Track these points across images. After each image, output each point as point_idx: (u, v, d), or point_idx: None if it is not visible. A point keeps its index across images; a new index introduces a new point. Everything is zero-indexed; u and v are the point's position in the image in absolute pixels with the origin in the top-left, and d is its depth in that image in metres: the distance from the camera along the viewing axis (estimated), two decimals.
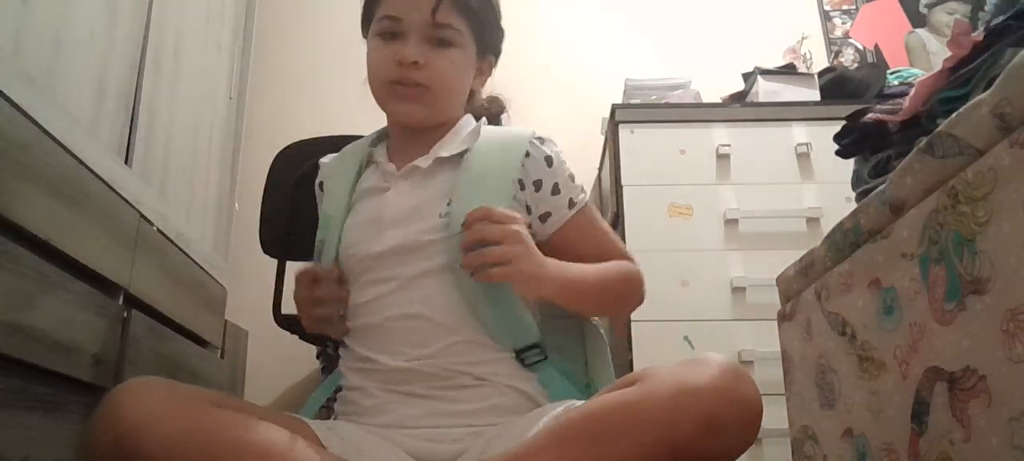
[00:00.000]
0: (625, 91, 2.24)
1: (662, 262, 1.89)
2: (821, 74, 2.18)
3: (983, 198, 0.72)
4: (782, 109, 2.05)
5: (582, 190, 1.03)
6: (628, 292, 1.03)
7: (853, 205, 1.05)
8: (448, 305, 0.92)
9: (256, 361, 2.14)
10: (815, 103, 2.07)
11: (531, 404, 0.91)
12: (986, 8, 2.52)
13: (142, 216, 1.17)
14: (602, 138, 2.27)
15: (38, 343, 0.85)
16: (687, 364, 0.72)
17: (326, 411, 1.01)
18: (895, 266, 0.89)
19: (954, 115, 0.78)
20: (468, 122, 1.05)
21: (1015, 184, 0.67)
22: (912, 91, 1.02)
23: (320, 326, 1.00)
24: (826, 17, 2.66)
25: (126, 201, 1.12)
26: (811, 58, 2.40)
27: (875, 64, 2.52)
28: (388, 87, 1.00)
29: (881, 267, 0.93)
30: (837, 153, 1.22)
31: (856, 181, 1.18)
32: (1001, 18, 0.87)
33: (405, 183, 1.00)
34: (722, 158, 1.99)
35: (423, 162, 1.00)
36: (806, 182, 1.96)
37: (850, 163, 1.22)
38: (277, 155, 1.66)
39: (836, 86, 2.13)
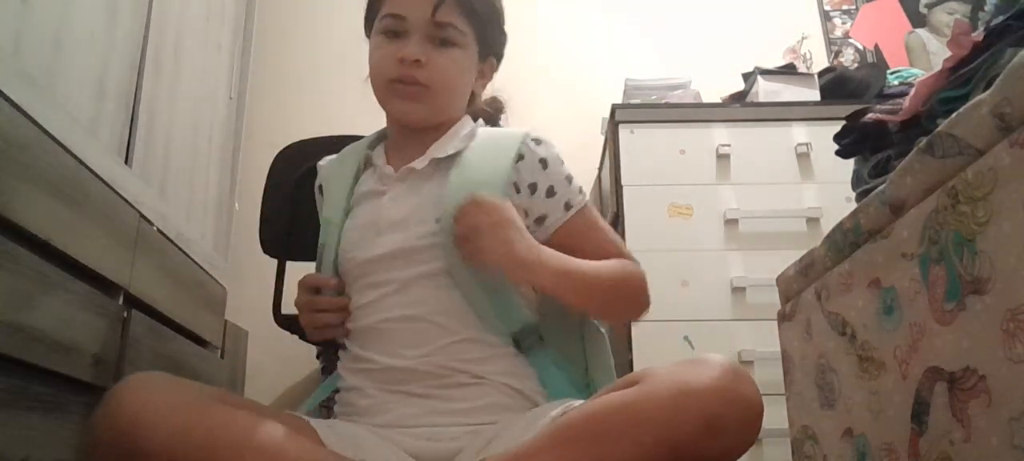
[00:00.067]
0: (625, 91, 2.24)
1: (662, 262, 1.89)
2: (821, 74, 2.18)
3: (983, 198, 0.72)
4: (782, 109, 2.05)
5: (580, 191, 1.01)
6: (630, 293, 1.00)
7: (853, 205, 1.05)
8: (444, 306, 0.93)
9: (256, 361, 2.14)
10: (815, 103, 2.07)
11: (529, 403, 0.91)
12: (986, 8, 2.52)
13: (142, 216, 1.17)
14: (602, 138, 2.27)
15: (38, 343, 0.85)
16: (687, 364, 0.72)
17: (325, 412, 1.01)
18: (895, 266, 0.89)
19: (954, 115, 0.78)
20: (466, 123, 1.05)
21: (1015, 184, 0.67)
22: (912, 91, 1.02)
23: (321, 333, 1.01)
24: (826, 17, 2.66)
25: (126, 201, 1.12)
26: (811, 58, 2.40)
27: (875, 64, 2.52)
28: (389, 85, 1.00)
29: (881, 267, 0.93)
30: (837, 153, 1.22)
31: (856, 181, 1.18)
32: (1001, 18, 0.87)
33: (402, 186, 1.00)
34: (722, 158, 1.99)
35: (419, 164, 1.00)
36: (806, 182, 1.96)
37: (850, 163, 1.22)
38: (277, 155, 1.66)
39: (836, 86, 2.13)
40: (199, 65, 1.69)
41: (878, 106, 1.12)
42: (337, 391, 0.99)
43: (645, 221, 1.94)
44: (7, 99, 0.84)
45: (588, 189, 2.43)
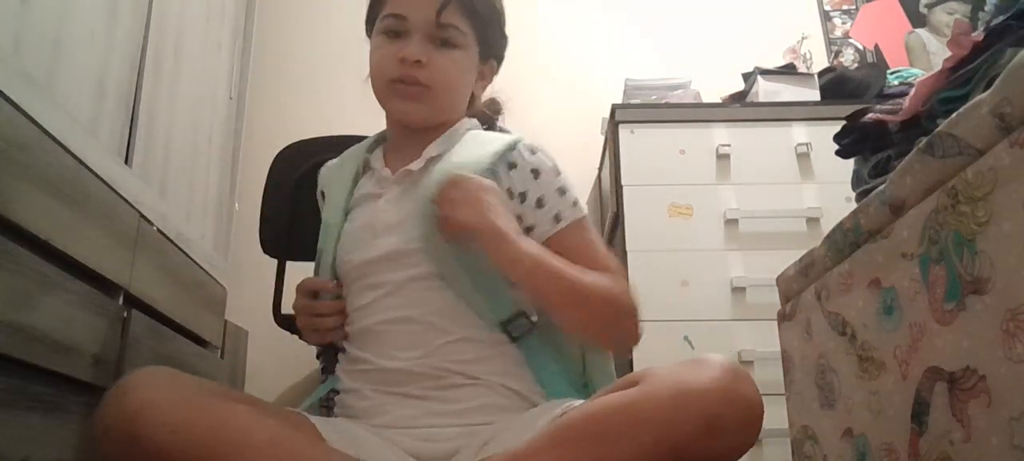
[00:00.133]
0: (625, 91, 2.24)
1: (662, 262, 1.89)
2: (821, 74, 2.18)
3: (983, 198, 0.72)
4: (782, 109, 2.05)
5: (574, 205, 0.98)
6: (613, 313, 0.92)
7: (853, 205, 1.05)
8: (438, 307, 0.93)
9: (256, 361, 2.14)
10: (815, 103, 2.07)
11: (527, 403, 0.91)
12: (986, 8, 2.52)
13: (142, 216, 1.17)
14: (602, 138, 2.27)
15: (38, 343, 0.85)
16: (687, 364, 0.72)
17: (325, 412, 1.01)
18: (895, 266, 0.89)
19: (954, 115, 0.78)
20: (464, 124, 1.05)
21: (1015, 184, 0.67)
22: (912, 91, 1.02)
23: (319, 336, 1.01)
24: (826, 17, 2.66)
25: (126, 201, 1.12)
26: (811, 58, 2.40)
27: (875, 64, 2.52)
28: (390, 85, 1.00)
29: (881, 267, 0.93)
30: (837, 153, 1.22)
31: (856, 181, 1.18)
32: (1001, 18, 0.87)
33: (398, 188, 1.01)
34: (722, 158, 1.99)
35: (415, 165, 1.00)
36: (806, 182, 1.96)
37: (850, 163, 1.22)
38: (277, 155, 1.66)
39: (836, 86, 2.13)
40: (199, 65, 1.69)
41: (878, 106, 1.12)
42: (336, 392, 0.99)
43: (645, 221, 1.94)
44: (7, 99, 0.84)
45: (588, 189, 2.43)
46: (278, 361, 2.19)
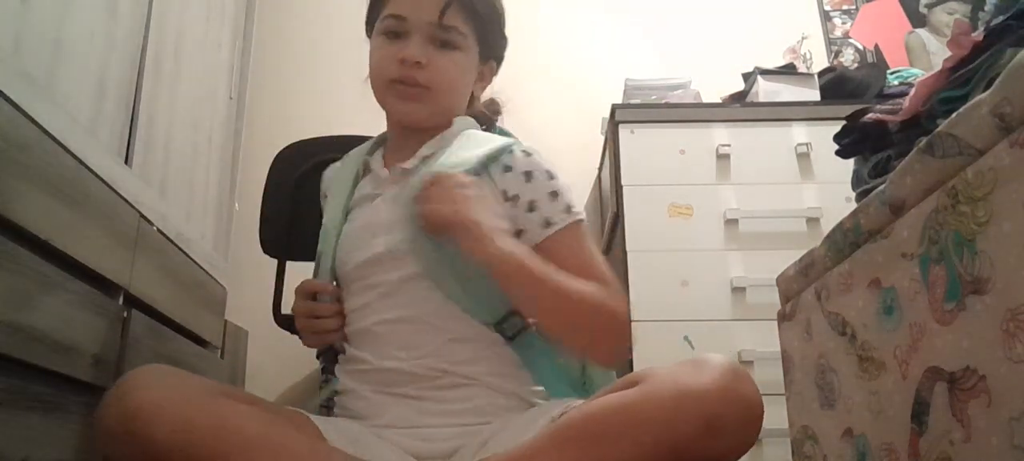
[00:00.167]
0: (625, 91, 2.24)
1: (662, 262, 1.89)
2: (821, 74, 2.17)
3: (983, 198, 0.72)
4: (782, 109, 2.05)
5: (567, 210, 0.95)
6: (598, 321, 0.90)
7: (853, 205, 1.05)
8: (432, 307, 0.93)
9: (256, 361, 2.14)
10: (815, 103, 2.07)
11: (524, 404, 0.91)
12: (986, 8, 2.52)
13: (142, 216, 1.17)
14: (602, 138, 2.27)
15: (38, 343, 0.85)
16: (687, 365, 0.72)
17: (325, 412, 1.01)
18: (895, 266, 0.89)
19: (954, 115, 0.78)
20: (461, 123, 1.04)
21: (1015, 184, 0.67)
22: (912, 91, 1.02)
23: (319, 339, 1.02)
24: (826, 17, 2.66)
25: (126, 201, 1.12)
26: (811, 58, 2.40)
27: (875, 64, 2.52)
28: (390, 86, 1.00)
29: (881, 267, 0.93)
30: (837, 153, 1.22)
31: (856, 181, 1.18)
32: (1001, 18, 0.87)
33: (395, 188, 1.01)
34: (722, 158, 1.99)
35: (410, 163, 1.01)
36: (806, 182, 1.96)
37: (850, 163, 1.22)
38: (277, 155, 1.66)
39: (836, 86, 2.13)
40: (199, 65, 1.69)
41: (878, 106, 1.12)
42: (336, 393, 0.99)
43: (645, 221, 1.94)
44: (7, 99, 0.84)
45: (588, 189, 2.43)
46: (278, 361, 2.19)
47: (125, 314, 1.09)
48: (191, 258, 1.41)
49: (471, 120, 1.06)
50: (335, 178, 1.12)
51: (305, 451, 0.75)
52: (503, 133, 1.08)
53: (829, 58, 2.58)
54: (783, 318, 1.28)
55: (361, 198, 1.06)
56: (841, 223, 1.05)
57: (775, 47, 2.40)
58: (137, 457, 0.70)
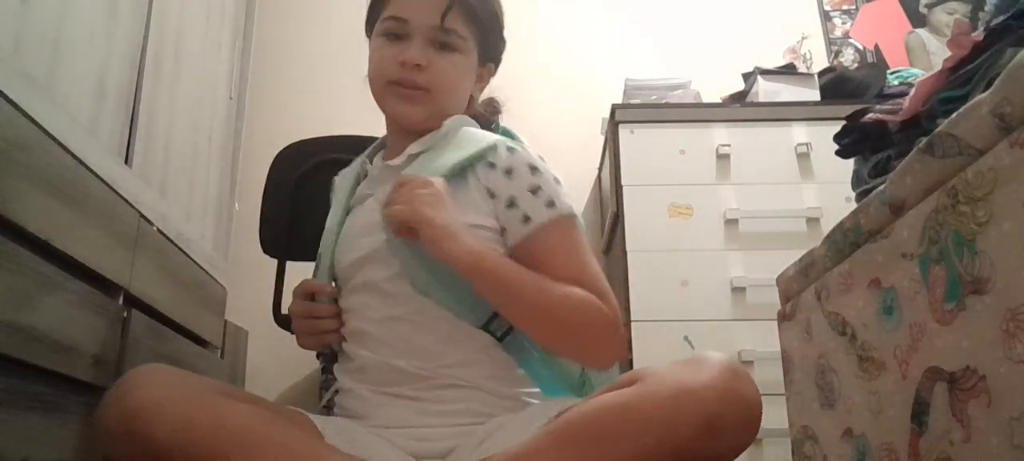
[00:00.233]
0: (625, 91, 2.24)
1: (662, 262, 1.89)
2: (821, 74, 2.18)
3: (983, 198, 0.72)
4: (782, 109, 2.05)
5: (549, 204, 0.93)
6: (577, 324, 0.88)
7: (853, 205, 1.05)
8: (419, 306, 0.93)
9: (256, 361, 2.14)
10: (815, 103, 2.07)
11: (519, 404, 0.91)
12: (986, 8, 2.52)
13: (142, 216, 1.17)
14: (602, 138, 2.27)
15: (38, 343, 0.85)
16: (686, 363, 0.72)
17: (325, 412, 1.02)
18: (895, 266, 0.89)
19: (954, 115, 0.78)
20: (451, 123, 1.03)
21: (1015, 184, 0.67)
22: (912, 91, 1.02)
23: (317, 339, 1.02)
24: (826, 17, 2.66)
25: (126, 201, 1.12)
26: (811, 58, 2.40)
27: (875, 64, 2.52)
28: (389, 87, 1.00)
29: (881, 267, 0.93)
30: (837, 153, 1.22)
31: (856, 181, 1.18)
32: (1001, 18, 0.87)
33: (384, 187, 1.01)
34: (722, 158, 1.99)
35: (396, 161, 1.01)
36: (806, 182, 1.96)
37: (850, 163, 1.22)
38: (277, 155, 1.66)
39: (836, 86, 2.13)
40: (199, 65, 1.69)
41: (878, 106, 1.13)
42: (336, 392, 0.99)
43: (645, 221, 1.94)
44: (7, 99, 0.84)
45: (588, 189, 2.43)
46: (278, 361, 2.19)
47: (125, 314, 1.09)
48: (191, 258, 1.41)
49: (465, 119, 1.05)
50: (340, 181, 1.14)
51: (304, 450, 0.75)
52: (505, 132, 1.08)
53: (829, 58, 2.58)
54: (783, 318, 1.28)
55: (359, 198, 1.07)
56: (841, 223, 1.05)
57: (775, 47, 2.40)
58: (137, 456, 0.70)
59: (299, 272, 1.25)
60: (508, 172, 0.94)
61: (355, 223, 1.03)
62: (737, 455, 0.69)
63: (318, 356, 1.09)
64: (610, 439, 0.69)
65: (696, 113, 2.08)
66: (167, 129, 1.47)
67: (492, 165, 0.96)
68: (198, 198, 1.68)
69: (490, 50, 1.07)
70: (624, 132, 2.02)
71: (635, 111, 2.08)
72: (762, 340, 1.74)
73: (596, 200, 2.41)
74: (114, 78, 1.23)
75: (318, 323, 1.01)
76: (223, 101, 1.88)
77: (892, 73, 2.16)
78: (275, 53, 2.51)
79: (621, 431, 0.68)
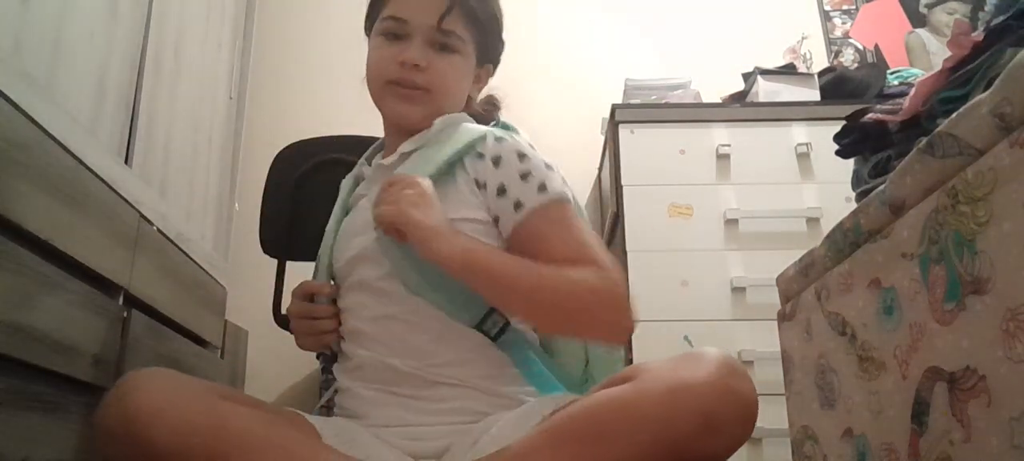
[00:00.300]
0: (625, 91, 2.24)
1: (662, 262, 1.89)
2: (821, 74, 2.18)
3: (983, 198, 0.72)
4: (782, 109, 2.05)
5: (541, 188, 0.91)
6: (584, 305, 0.86)
7: (853, 205, 1.05)
8: (413, 306, 0.92)
9: (256, 361, 2.14)
10: (815, 103, 2.07)
11: (515, 403, 0.91)
12: (986, 8, 2.52)
13: (142, 216, 1.17)
14: (602, 138, 2.27)
15: (38, 343, 0.85)
16: (682, 360, 0.72)
17: (325, 412, 1.02)
18: (895, 266, 0.89)
19: (954, 115, 0.78)
20: (442, 121, 1.02)
21: (1015, 184, 0.67)
22: (912, 91, 1.02)
23: (316, 340, 1.02)
24: (826, 17, 2.66)
25: (126, 201, 1.12)
26: (811, 58, 2.40)
27: (875, 64, 2.52)
28: (387, 87, 1.00)
29: (881, 267, 0.93)
30: (837, 153, 1.22)
31: (856, 181, 1.18)
32: (1001, 18, 0.87)
33: (377, 186, 1.01)
34: (722, 158, 1.99)
35: (389, 160, 1.01)
36: (806, 182, 1.96)
37: (850, 163, 1.22)
38: (277, 155, 1.66)
39: (836, 86, 2.13)
40: (199, 65, 1.69)
41: (878, 106, 1.13)
42: (336, 391, 0.99)
43: (645, 221, 1.94)
44: (7, 99, 0.84)
45: (588, 189, 2.43)
46: (278, 361, 2.19)
47: (125, 314, 1.09)
48: (191, 258, 1.41)
49: (459, 116, 1.04)
50: (343, 183, 1.13)
51: (303, 452, 0.75)
52: (505, 127, 1.07)
53: (829, 58, 2.58)
54: (783, 318, 1.28)
55: (355, 199, 1.07)
56: (841, 223, 1.05)
57: (775, 47, 2.40)
58: (137, 460, 0.70)
59: (299, 272, 1.25)
60: (496, 160, 0.94)
61: (350, 223, 1.03)
62: (733, 452, 0.69)
63: (318, 356, 1.10)
64: (605, 436, 0.68)
65: (696, 113, 2.08)
66: (167, 129, 1.47)
67: (480, 155, 0.96)
68: (198, 198, 1.68)
69: (489, 51, 1.07)
70: (624, 132, 2.02)
71: (635, 111, 2.08)
72: (762, 340, 1.74)
73: (596, 200, 2.41)
74: (114, 78, 1.23)
75: (316, 324, 1.01)
76: (223, 101, 1.88)
77: (892, 73, 2.16)
78: (275, 53, 2.51)
79: (616, 428, 0.68)
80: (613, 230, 2.12)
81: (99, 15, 1.17)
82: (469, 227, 0.92)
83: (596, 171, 2.42)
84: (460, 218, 0.91)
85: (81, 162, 0.99)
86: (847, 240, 1.03)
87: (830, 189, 1.88)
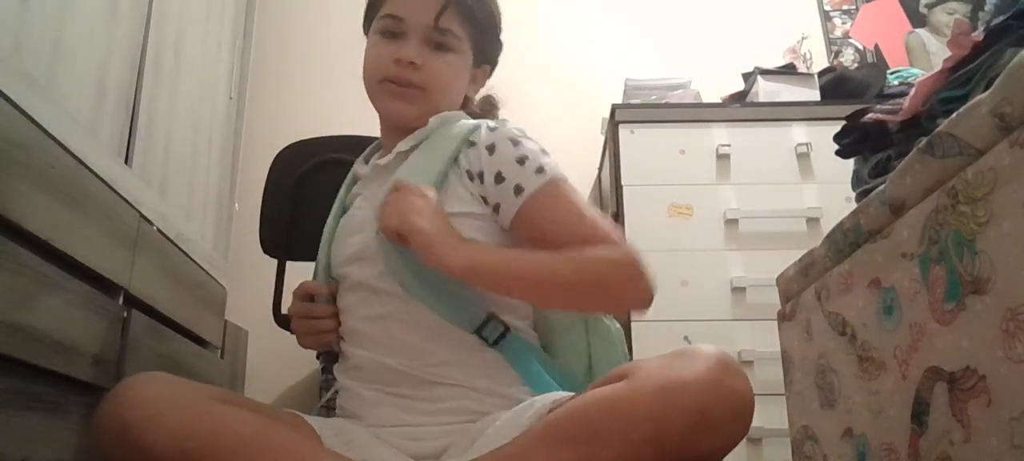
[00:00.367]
0: (625, 91, 2.24)
1: (662, 262, 1.88)
2: (821, 74, 2.18)
3: (983, 198, 0.72)
4: (782, 109, 2.05)
5: (538, 171, 0.92)
6: (599, 284, 0.89)
7: (853, 205, 1.05)
8: (408, 305, 0.92)
9: (256, 361, 2.14)
10: (815, 103, 2.07)
11: (512, 402, 0.91)
12: (986, 8, 2.52)
13: (142, 216, 1.17)
14: (602, 138, 2.27)
15: (38, 343, 0.85)
16: (677, 357, 0.72)
17: (326, 412, 1.02)
18: (895, 266, 0.89)
19: (954, 115, 0.78)
20: (437, 120, 1.01)
21: (1015, 184, 0.67)
22: (912, 91, 1.02)
23: (316, 339, 1.02)
24: (826, 17, 2.66)
25: (126, 201, 1.12)
26: (811, 58, 2.40)
27: (875, 64, 2.52)
28: (382, 84, 1.00)
29: (881, 267, 0.93)
30: (837, 153, 1.22)
31: (856, 181, 1.18)
32: (1001, 18, 0.87)
33: (373, 185, 1.02)
34: (722, 158, 1.99)
35: (384, 160, 1.01)
36: (806, 182, 1.96)
37: (850, 163, 1.22)
38: (277, 155, 1.66)
39: (836, 86, 2.13)
40: (199, 65, 1.69)
41: (878, 106, 1.13)
42: (337, 392, 0.99)
43: (645, 221, 1.94)
44: (7, 99, 0.84)
45: (588, 189, 2.43)
46: (278, 361, 2.19)
47: (125, 314, 1.09)
48: (191, 258, 1.41)
49: (454, 114, 1.04)
50: (343, 186, 1.13)
51: (303, 453, 0.75)
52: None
53: (829, 58, 2.58)
54: (783, 318, 1.28)
55: (352, 198, 1.07)
56: (841, 223, 1.05)
57: (775, 47, 2.40)
58: None
59: (299, 272, 1.25)
60: (491, 148, 0.94)
61: (348, 223, 1.03)
62: (730, 450, 0.69)
63: (318, 356, 1.10)
64: (599, 435, 0.68)
65: (696, 113, 2.08)
66: (167, 129, 1.47)
67: (473, 144, 0.96)
68: (198, 198, 1.68)
69: (486, 52, 1.07)
70: (624, 132, 2.02)
71: (635, 111, 2.08)
72: (762, 340, 1.74)
73: (596, 200, 2.41)
74: (114, 78, 1.23)
75: (315, 323, 1.01)
76: (223, 101, 1.88)
77: (892, 73, 2.16)
78: (275, 53, 2.51)
79: (610, 427, 0.68)
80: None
81: (99, 15, 1.17)
82: (466, 222, 0.92)
83: (596, 171, 2.42)
84: (455, 213, 0.91)
85: (81, 162, 0.99)
86: (847, 240, 1.03)
87: (830, 189, 1.89)
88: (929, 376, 0.81)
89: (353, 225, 1.01)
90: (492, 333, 0.91)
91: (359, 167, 1.10)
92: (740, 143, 2.00)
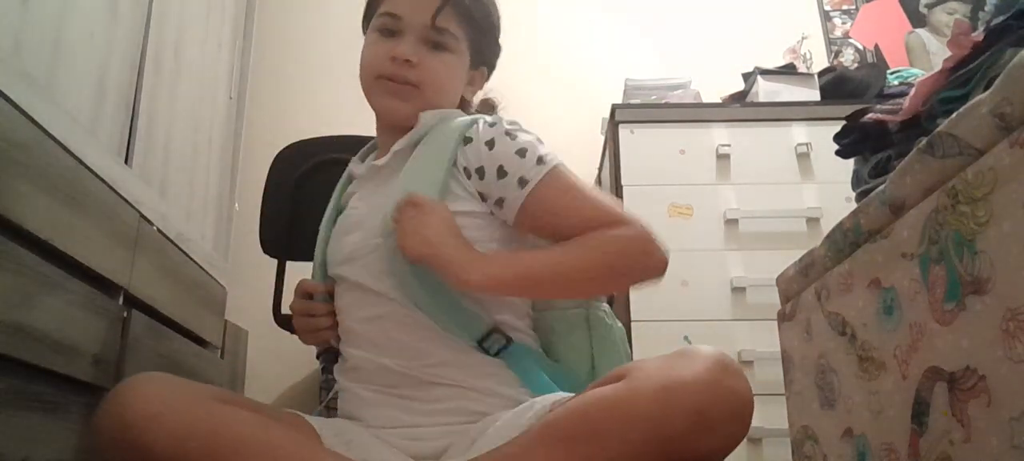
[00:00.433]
0: (625, 91, 2.24)
1: None
2: (821, 74, 2.18)
3: (983, 198, 0.72)
4: (782, 109, 2.05)
5: (539, 161, 0.92)
6: (621, 263, 0.91)
7: (853, 205, 1.05)
8: (406, 307, 0.92)
9: (256, 361, 2.14)
10: (815, 103, 2.07)
11: (511, 402, 0.91)
12: (986, 8, 2.52)
13: (142, 216, 1.17)
14: (602, 138, 2.27)
15: (38, 343, 0.85)
16: (675, 358, 0.72)
17: (326, 412, 1.02)
18: (895, 266, 0.89)
19: (954, 115, 0.78)
20: (429, 118, 1.01)
21: (1015, 184, 0.67)
22: (912, 91, 1.02)
23: (315, 337, 1.02)
24: (826, 17, 2.66)
25: (126, 201, 1.12)
26: (811, 58, 2.40)
27: (875, 64, 2.52)
28: (378, 81, 1.00)
29: (881, 267, 0.93)
30: (837, 153, 1.22)
31: (856, 181, 1.18)
32: (1001, 18, 0.87)
33: (370, 185, 1.02)
34: (722, 158, 1.99)
35: (381, 160, 1.01)
36: (806, 182, 1.96)
37: (850, 163, 1.22)
38: (277, 155, 1.66)
39: (836, 86, 2.13)
40: (199, 65, 1.69)
41: (878, 106, 1.13)
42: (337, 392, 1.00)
43: (645, 221, 1.93)
44: (7, 99, 0.84)
45: None
46: (278, 361, 2.19)
47: (125, 314, 1.09)
48: (191, 258, 1.41)
49: (448, 111, 1.03)
50: (339, 186, 1.13)
51: (302, 454, 0.75)
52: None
53: (829, 58, 2.58)
54: (783, 318, 1.28)
55: (347, 197, 1.07)
56: (841, 223, 1.05)
57: (775, 47, 2.40)
58: None
59: (299, 272, 1.25)
60: (490, 143, 0.94)
61: (343, 222, 1.03)
62: (729, 450, 0.69)
63: (318, 356, 1.09)
64: (598, 435, 0.68)
65: (696, 113, 2.08)
66: (167, 129, 1.47)
67: (469, 140, 0.96)
68: (198, 198, 1.68)
69: (483, 53, 1.07)
70: (624, 132, 2.02)
71: (635, 111, 2.08)
72: (762, 340, 1.74)
73: None
74: (114, 78, 1.23)
75: (314, 321, 1.01)
76: (223, 101, 1.88)
77: (892, 73, 2.16)
78: (275, 53, 2.52)
79: (609, 427, 0.68)
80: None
81: (99, 15, 1.17)
82: (466, 221, 0.92)
83: (596, 171, 2.42)
84: (455, 213, 0.91)
85: (81, 162, 0.99)
86: (847, 240, 1.03)
87: (830, 189, 1.89)
88: (929, 376, 0.81)
89: (349, 225, 1.01)
90: (494, 345, 0.91)
91: (355, 167, 1.10)
92: (740, 143, 2.00)
